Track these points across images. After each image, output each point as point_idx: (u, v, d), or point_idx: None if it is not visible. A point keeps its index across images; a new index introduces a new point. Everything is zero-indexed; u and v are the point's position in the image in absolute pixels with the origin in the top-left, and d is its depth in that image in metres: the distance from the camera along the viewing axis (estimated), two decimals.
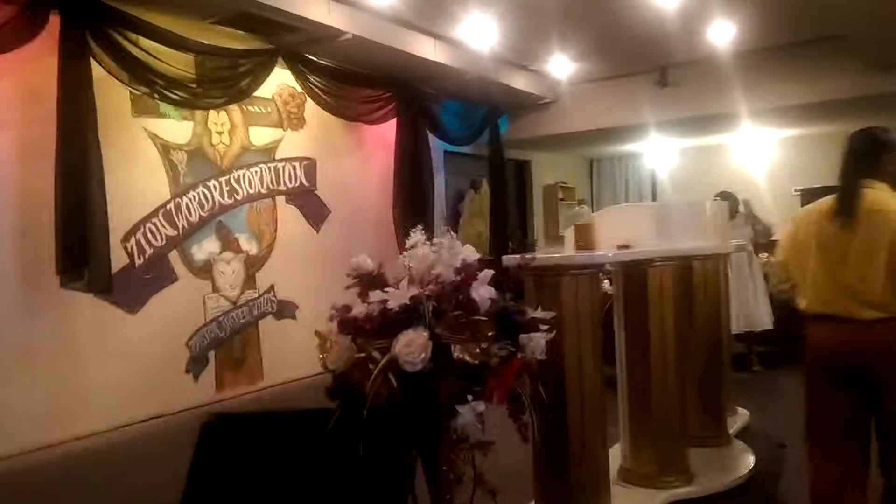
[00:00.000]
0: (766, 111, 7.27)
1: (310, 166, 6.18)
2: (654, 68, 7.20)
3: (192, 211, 5.18)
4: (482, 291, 2.27)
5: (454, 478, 2.36)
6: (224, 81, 5.20)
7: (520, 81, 7.34)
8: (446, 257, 2.30)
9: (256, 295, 5.65)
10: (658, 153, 10.02)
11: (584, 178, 11.19)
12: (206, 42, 4.99)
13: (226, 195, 5.43)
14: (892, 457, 2.48)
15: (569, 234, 3.18)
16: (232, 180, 5.49)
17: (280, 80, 5.81)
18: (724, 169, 9.58)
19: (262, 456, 2.47)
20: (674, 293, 3.08)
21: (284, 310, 5.88)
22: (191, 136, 5.22)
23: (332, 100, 5.94)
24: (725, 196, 6.95)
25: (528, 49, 6.59)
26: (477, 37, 5.93)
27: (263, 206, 5.77)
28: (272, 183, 5.84)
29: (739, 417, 4.11)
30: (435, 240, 2.43)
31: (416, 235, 2.54)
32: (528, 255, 2.47)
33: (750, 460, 3.44)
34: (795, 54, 6.49)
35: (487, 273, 2.26)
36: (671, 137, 9.08)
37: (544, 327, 2.35)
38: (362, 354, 2.19)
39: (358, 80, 6.23)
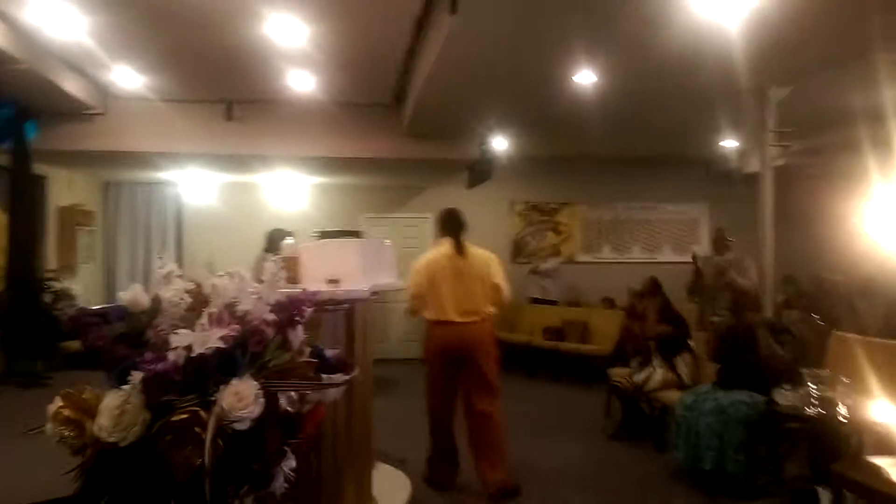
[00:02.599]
0: (315, 159, 7.97)
1: None
2: (221, 99, 7.15)
3: None
4: (298, 330, 2.07)
5: None
6: None
7: (70, 84, 6.27)
8: (258, 290, 2.02)
9: None
10: (191, 184, 9.73)
11: (98, 202, 9.97)
12: None
13: None
14: (479, 396, 4.18)
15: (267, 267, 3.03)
16: None
17: None
18: (256, 206, 9.94)
19: None
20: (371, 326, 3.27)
21: None
22: None
23: None
24: (279, 232, 7.32)
25: (93, 49, 5.71)
26: (49, 24, 4.91)
27: None
28: None
29: None
30: (232, 270, 2.10)
31: (169, 265, 2.17)
32: (310, 289, 2.31)
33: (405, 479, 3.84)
34: (355, 112, 7.39)
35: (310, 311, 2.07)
36: (213, 170, 8.99)
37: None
38: (181, 416, 1.73)
39: None
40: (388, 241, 3.63)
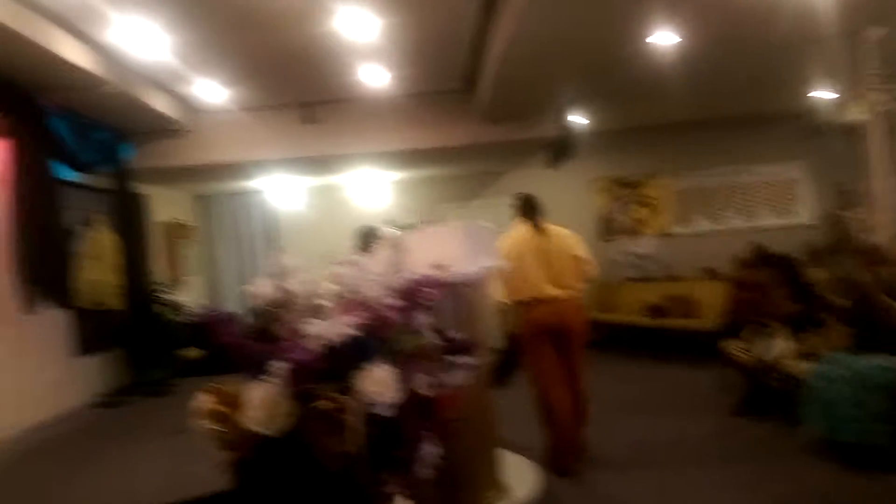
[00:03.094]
0: (393, 153, 7.98)
1: None
2: (299, 103, 7.26)
3: None
4: (424, 314, 2.02)
5: None
6: None
7: (159, 102, 6.50)
8: (378, 276, 1.98)
9: None
10: (278, 190, 9.98)
11: (195, 215, 10.38)
12: None
13: None
14: (575, 373, 4.22)
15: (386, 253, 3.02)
16: None
17: None
18: (340, 207, 10.10)
19: None
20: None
21: None
22: None
23: None
24: (369, 229, 7.34)
25: (179, 66, 5.89)
26: (133, 45, 5.09)
27: None
28: None
29: None
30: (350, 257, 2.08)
31: (286, 258, 2.14)
32: (430, 273, 2.26)
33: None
34: (429, 102, 7.34)
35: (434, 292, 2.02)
36: (296, 174, 9.17)
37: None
38: (328, 404, 1.71)
39: None
40: (487, 224, 3.55)
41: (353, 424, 1.66)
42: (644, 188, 10.44)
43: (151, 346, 7.41)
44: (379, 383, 1.72)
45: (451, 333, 2.07)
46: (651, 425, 5.26)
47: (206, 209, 10.54)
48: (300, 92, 7.05)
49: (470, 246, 3.05)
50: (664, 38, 5.47)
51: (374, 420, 1.74)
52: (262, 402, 1.69)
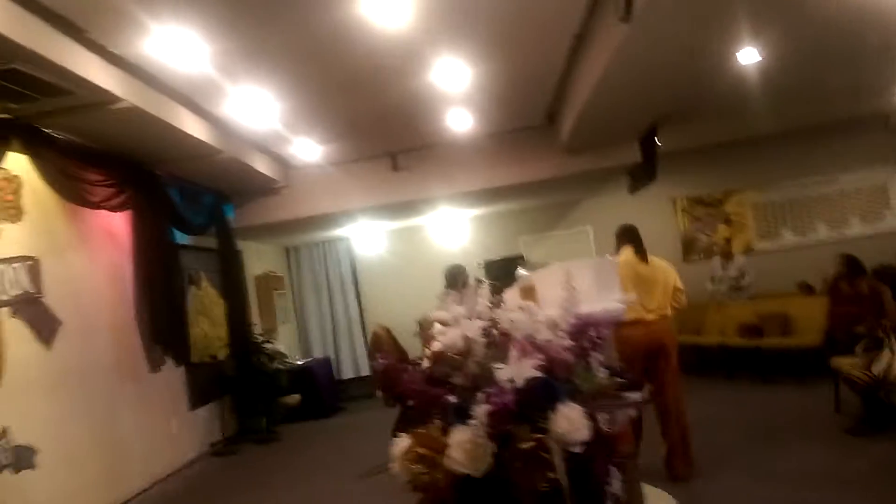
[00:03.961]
0: (477, 192, 8.14)
1: (34, 267, 4.76)
2: (387, 152, 7.54)
3: None
4: (597, 352, 2.12)
5: None
6: None
7: (260, 164, 6.89)
8: (552, 318, 2.09)
9: None
10: (361, 236, 10.30)
11: (284, 266, 10.83)
12: None
13: None
14: (669, 396, 4.47)
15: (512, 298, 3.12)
16: None
17: None
18: (421, 247, 10.34)
19: None
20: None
21: (22, 459, 4.31)
22: None
23: (71, 184, 4.72)
24: (457, 268, 7.40)
25: (281, 130, 6.24)
26: (245, 114, 5.45)
27: None
28: None
29: None
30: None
31: (454, 308, 2.28)
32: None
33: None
34: (510, 139, 7.53)
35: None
36: (382, 220, 9.46)
37: None
38: (529, 444, 1.82)
39: (99, 159, 5.09)
40: (612, 258, 3.62)
41: (556, 462, 1.76)
42: (725, 205, 10.30)
43: (255, 394, 7.72)
44: (571, 422, 1.82)
45: (619, 370, 2.16)
46: (765, 450, 5.11)
47: (294, 259, 10.96)
48: (390, 142, 7.33)
49: (598, 282, 3.13)
50: (750, 56, 5.49)
51: (567, 458, 1.84)
52: (464, 444, 1.82)
